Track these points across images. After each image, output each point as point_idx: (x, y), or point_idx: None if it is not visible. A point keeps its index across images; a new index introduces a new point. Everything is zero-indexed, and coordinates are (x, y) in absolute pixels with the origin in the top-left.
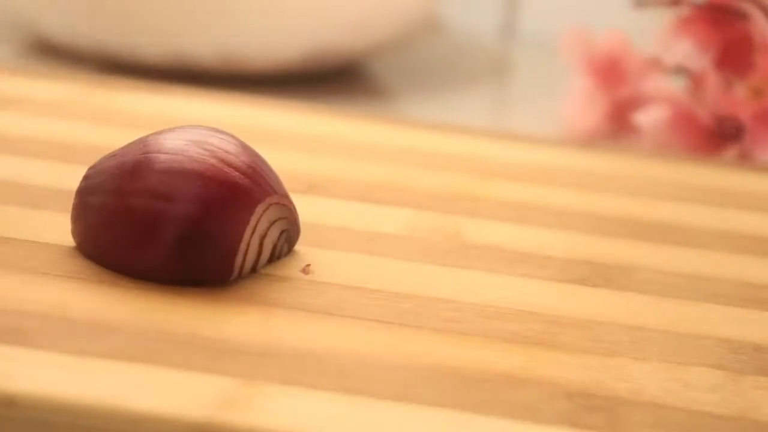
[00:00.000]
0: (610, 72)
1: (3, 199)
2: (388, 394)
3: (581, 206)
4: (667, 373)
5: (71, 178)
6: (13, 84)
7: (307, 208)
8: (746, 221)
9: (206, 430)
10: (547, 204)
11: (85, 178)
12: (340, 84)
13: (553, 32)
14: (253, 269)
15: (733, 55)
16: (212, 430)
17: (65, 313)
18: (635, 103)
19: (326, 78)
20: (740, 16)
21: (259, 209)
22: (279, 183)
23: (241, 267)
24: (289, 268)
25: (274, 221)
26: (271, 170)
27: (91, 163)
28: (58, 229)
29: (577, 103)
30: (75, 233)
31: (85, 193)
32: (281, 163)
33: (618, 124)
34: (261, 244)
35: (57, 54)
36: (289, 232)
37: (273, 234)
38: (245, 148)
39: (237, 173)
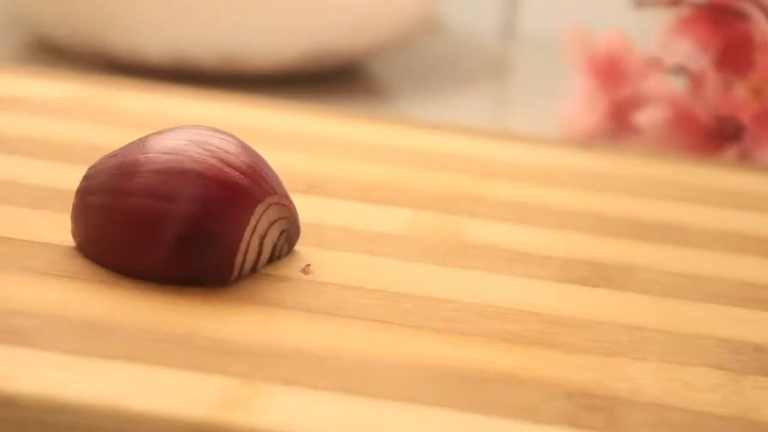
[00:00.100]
0: (610, 72)
1: (3, 199)
2: (388, 394)
3: (581, 206)
4: (667, 373)
5: (71, 178)
6: (13, 84)
7: (307, 208)
8: (746, 221)
9: (206, 430)
10: (547, 204)
11: (85, 178)
12: (340, 84)
13: (553, 32)
14: (253, 269)
15: (733, 55)
16: (212, 430)
17: (65, 313)
18: (635, 103)
19: (326, 78)
20: (740, 16)
21: (259, 209)
22: (279, 183)
23: (241, 267)
24: (289, 268)
25: (274, 221)
26: (271, 170)
27: (91, 163)
28: (58, 229)
29: (577, 103)
30: (75, 233)
31: (85, 193)
32: (281, 163)
33: (618, 124)
34: (261, 244)
35: (57, 54)
36: (289, 232)
37: (273, 234)
38: (245, 148)
39: (237, 173)
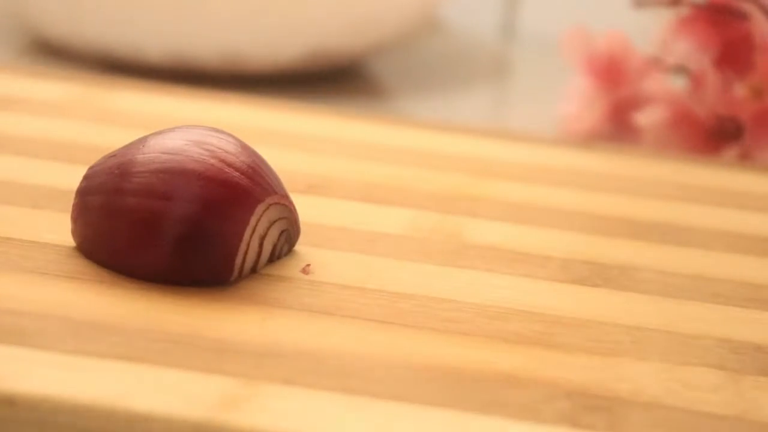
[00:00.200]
0: (610, 72)
1: (3, 199)
2: (388, 394)
3: (581, 206)
4: (667, 373)
5: (71, 178)
6: (13, 84)
7: (307, 208)
8: (746, 221)
9: (206, 430)
10: (547, 204)
11: (85, 178)
12: (340, 84)
13: (553, 32)
14: (253, 269)
15: (733, 55)
16: (212, 430)
17: (65, 313)
18: (635, 103)
19: (326, 78)
20: (740, 16)
21: (259, 209)
22: (279, 183)
23: (241, 267)
24: (289, 268)
25: (274, 221)
26: (271, 170)
27: (91, 163)
28: (58, 229)
29: (577, 103)
30: (75, 233)
31: (85, 193)
32: (281, 163)
33: (618, 124)
34: (261, 244)
35: (57, 54)
36: (289, 232)
37: (273, 234)
38: (245, 148)
39: (237, 173)
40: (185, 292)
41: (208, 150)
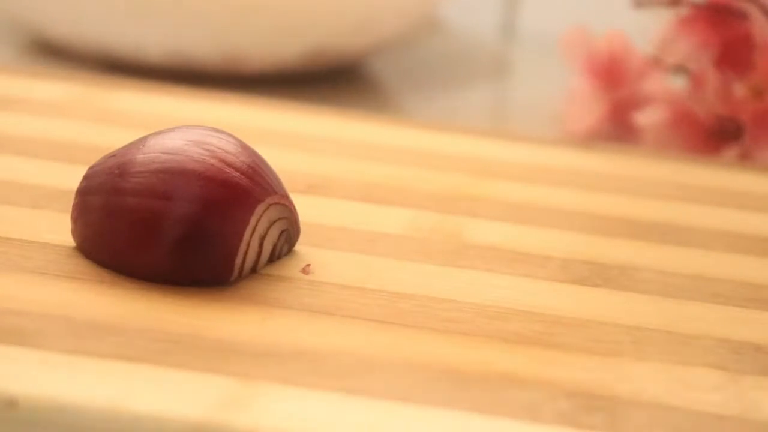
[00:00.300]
0: (610, 72)
1: (3, 199)
2: (388, 394)
3: (581, 206)
4: (667, 373)
5: (71, 178)
6: (13, 84)
7: (307, 208)
8: (746, 221)
9: (206, 430)
10: (547, 204)
11: (85, 178)
12: (340, 84)
13: (553, 32)
14: (253, 269)
15: (733, 55)
16: (212, 430)
17: (65, 313)
18: (635, 103)
19: (326, 78)
20: (740, 16)
21: (259, 209)
22: (279, 183)
23: (241, 267)
24: (289, 268)
25: (274, 221)
26: (271, 170)
27: (91, 163)
28: (58, 229)
29: (577, 103)
30: (75, 233)
31: (85, 193)
32: (281, 163)
33: (618, 124)
34: (261, 244)
35: (57, 54)
36: (289, 232)
37: (273, 234)
38: (245, 148)
39: (237, 173)
40: (185, 292)
41: (208, 150)
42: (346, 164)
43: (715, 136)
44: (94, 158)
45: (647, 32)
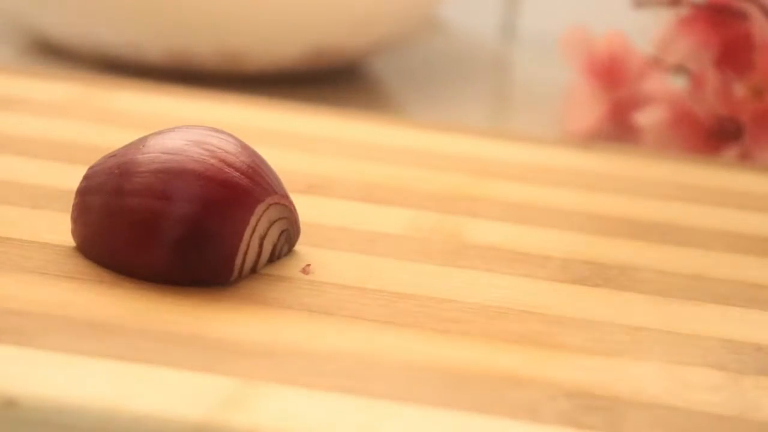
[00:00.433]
0: (610, 72)
1: (3, 199)
2: (388, 394)
3: (581, 206)
4: (667, 373)
5: (71, 178)
6: (13, 84)
7: (307, 208)
8: (746, 221)
9: (206, 430)
10: (547, 204)
11: (85, 178)
12: (340, 84)
13: (553, 32)
14: (253, 269)
15: (733, 55)
16: (212, 430)
17: (65, 313)
18: (635, 103)
19: (327, 77)
20: (740, 16)
21: (259, 209)
22: (279, 183)
23: (241, 267)
24: (289, 268)
25: (274, 221)
26: (271, 170)
27: (91, 163)
28: (58, 229)
29: (577, 103)
30: (75, 233)
31: (85, 193)
32: (281, 163)
33: (618, 124)
34: (261, 244)
35: (57, 54)
36: (289, 232)
37: (273, 234)
38: (245, 148)
39: (237, 173)
40: (185, 292)
41: (208, 150)
42: (346, 164)
43: (715, 136)
44: (94, 158)
45: (647, 32)
